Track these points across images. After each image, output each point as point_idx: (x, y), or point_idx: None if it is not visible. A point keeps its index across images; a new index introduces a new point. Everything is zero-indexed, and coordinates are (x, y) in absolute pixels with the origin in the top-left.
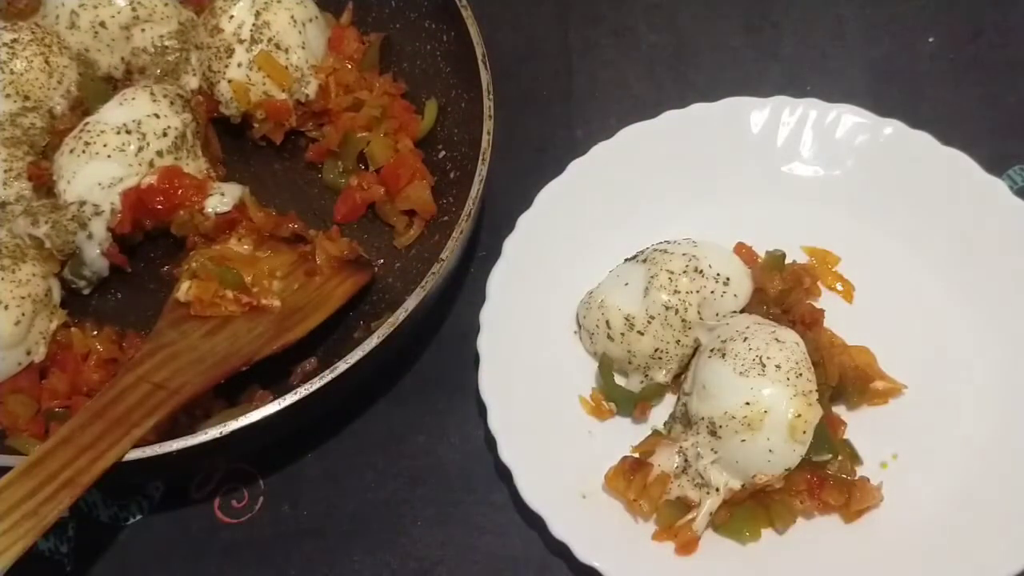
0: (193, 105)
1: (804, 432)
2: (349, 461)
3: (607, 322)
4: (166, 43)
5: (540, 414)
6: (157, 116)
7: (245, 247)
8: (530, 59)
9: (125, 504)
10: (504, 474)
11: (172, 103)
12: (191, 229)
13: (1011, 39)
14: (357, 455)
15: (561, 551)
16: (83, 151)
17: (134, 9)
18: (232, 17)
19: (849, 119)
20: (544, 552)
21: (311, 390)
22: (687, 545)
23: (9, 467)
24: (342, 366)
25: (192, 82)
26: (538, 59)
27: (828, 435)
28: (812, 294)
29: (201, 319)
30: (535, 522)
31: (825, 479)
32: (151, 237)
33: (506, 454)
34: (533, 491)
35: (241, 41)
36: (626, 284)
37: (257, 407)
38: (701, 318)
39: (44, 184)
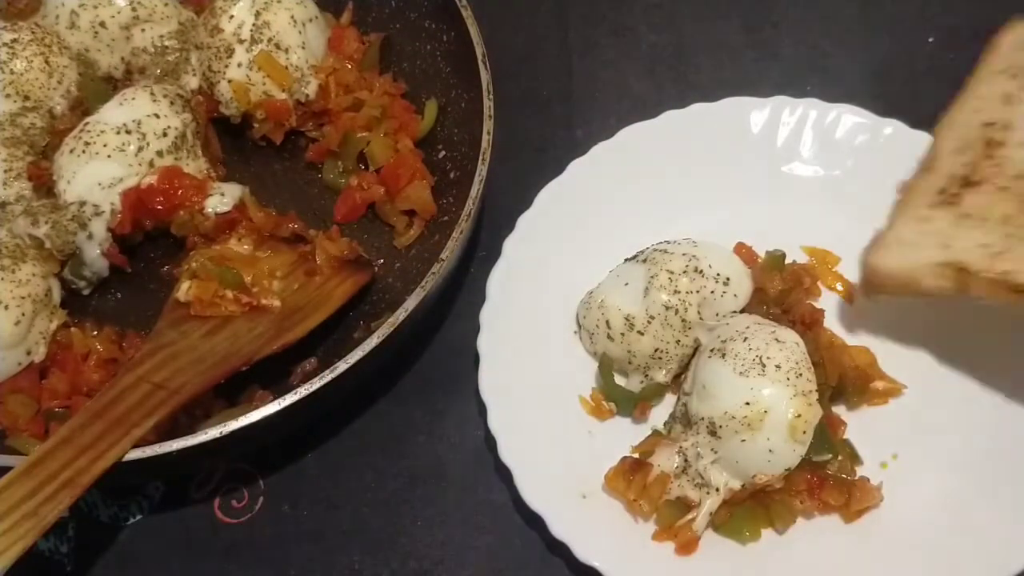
0: (193, 105)
1: (804, 432)
2: (349, 461)
3: (607, 322)
4: (166, 43)
5: (540, 414)
6: (157, 116)
7: (245, 247)
8: (530, 59)
9: (125, 504)
10: (504, 474)
11: (172, 103)
12: (191, 229)
13: None
14: (357, 455)
15: (561, 551)
16: (83, 151)
17: (134, 9)
18: (232, 17)
19: (849, 119)
20: (544, 552)
21: (311, 390)
22: (687, 545)
23: (9, 467)
24: (342, 366)
25: (192, 82)
26: (538, 59)
27: (828, 435)
28: (812, 294)
29: (201, 319)
30: (535, 522)
31: (825, 479)
32: (151, 237)
33: (506, 454)
34: (533, 491)
35: (241, 41)
36: (626, 284)
37: (257, 407)
38: (701, 318)
39: (44, 184)
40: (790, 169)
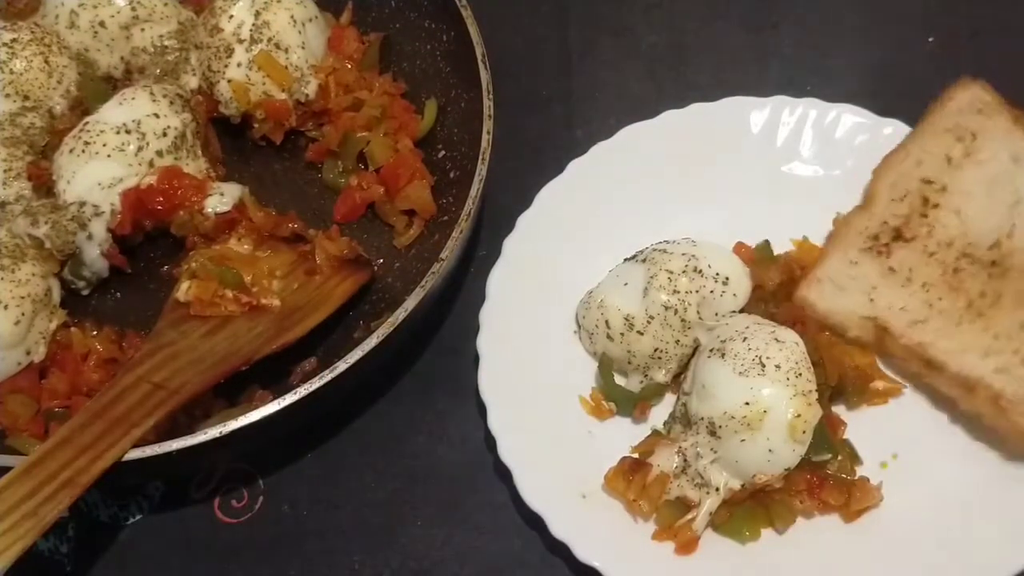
0: (193, 105)
1: (804, 432)
2: (349, 461)
3: (607, 322)
4: (166, 43)
5: (540, 414)
6: (157, 116)
7: (245, 247)
8: (530, 59)
9: (125, 504)
10: (504, 474)
11: (172, 103)
12: (191, 229)
13: (1011, 39)
14: (357, 455)
15: (561, 551)
16: (83, 151)
17: (134, 9)
18: (232, 17)
19: (849, 119)
20: (544, 552)
21: (311, 390)
22: (687, 545)
23: (9, 467)
24: (342, 366)
25: (192, 82)
26: (538, 59)
27: (828, 435)
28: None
29: (201, 319)
30: (535, 522)
31: (825, 479)
32: (151, 237)
33: (506, 454)
34: (533, 491)
35: (241, 41)
36: (625, 284)
37: (257, 407)
38: (700, 318)
39: (44, 184)
40: (790, 169)
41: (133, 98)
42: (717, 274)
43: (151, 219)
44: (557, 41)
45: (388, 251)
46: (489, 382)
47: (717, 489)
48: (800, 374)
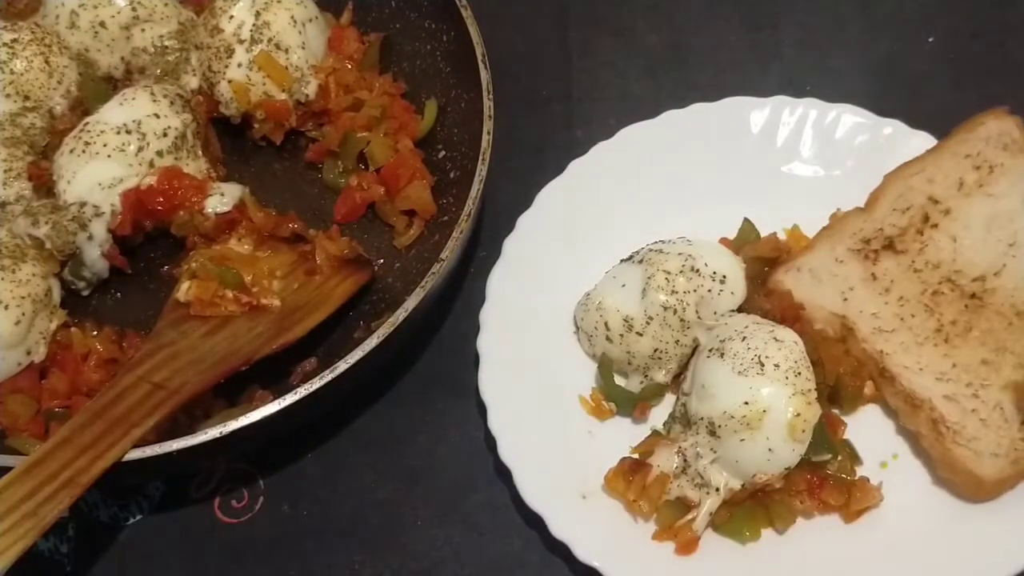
0: (193, 105)
1: (803, 431)
2: (349, 461)
3: (606, 324)
4: (166, 43)
5: (540, 414)
6: (157, 116)
7: (245, 247)
8: (530, 59)
9: (125, 504)
10: (504, 474)
11: (172, 103)
12: (191, 229)
13: (1011, 39)
14: (357, 455)
15: (561, 551)
16: (83, 151)
17: (134, 9)
18: (232, 17)
19: (849, 119)
20: (544, 552)
21: (311, 390)
22: (687, 545)
23: (9, 467)
24: (342, 366)
25: (192, 82)
26: (538, 59)
27: (827, 435)
28: None
29: (201, 319)
30: (535, 522)
31: (825, 479)
32: (151, 237)
33: (506, 454)
34: (533, 491)
35: (241, 41)
36: (623, 285)
37: (257, 407)
38: (699, 317)
39: (44, 184)
40: (790, 169)
41: (133, 98)
42: (714, 273)
43: (151, 219)
44: (557, 41)
45: (388, 251)
46: (489, 382)
47: (717, 489)
48: (799, 373)
